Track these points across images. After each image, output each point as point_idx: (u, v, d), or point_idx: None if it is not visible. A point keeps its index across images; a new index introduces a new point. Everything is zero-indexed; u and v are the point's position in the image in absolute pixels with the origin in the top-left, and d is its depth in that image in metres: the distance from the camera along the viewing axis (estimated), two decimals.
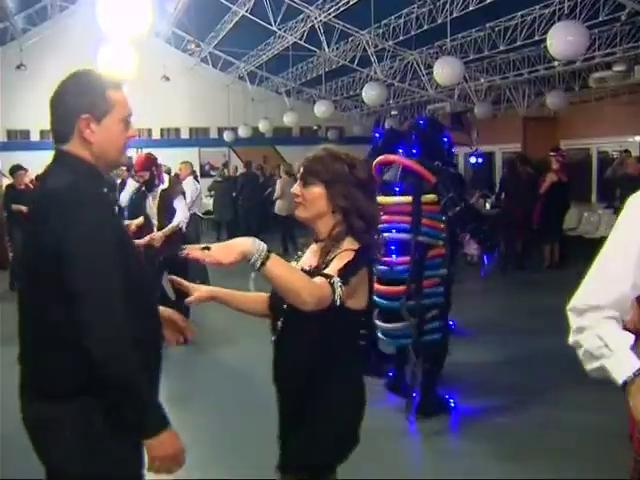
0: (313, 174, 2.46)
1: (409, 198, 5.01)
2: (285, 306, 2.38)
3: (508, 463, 4.50)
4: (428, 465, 4.70)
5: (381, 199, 5.10)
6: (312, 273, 2.33)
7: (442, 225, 5.05)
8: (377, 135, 6.66)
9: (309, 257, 2.57)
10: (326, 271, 2.29)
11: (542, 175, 12.12)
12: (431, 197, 5.02)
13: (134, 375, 2.13)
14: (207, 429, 5.17)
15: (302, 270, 2.39)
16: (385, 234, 4.88)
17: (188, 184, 10.75)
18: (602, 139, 16.06)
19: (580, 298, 2.07)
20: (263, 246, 2.09)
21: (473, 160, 14.77)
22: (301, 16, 14.90)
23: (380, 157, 5.35)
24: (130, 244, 2.42)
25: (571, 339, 2.05)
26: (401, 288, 4.98)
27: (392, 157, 5.30)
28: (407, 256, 4.97)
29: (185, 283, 2.49)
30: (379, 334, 5.31)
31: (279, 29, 15.56)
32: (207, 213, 17.46)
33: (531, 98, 16.62)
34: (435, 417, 5.19)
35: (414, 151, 5.21)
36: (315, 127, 23.04)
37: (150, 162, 7.32)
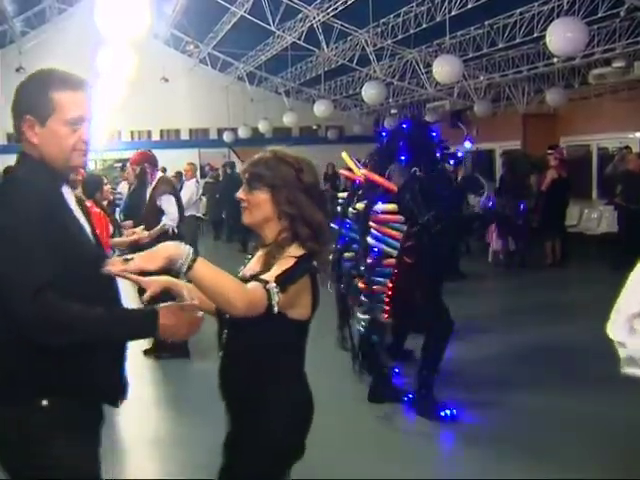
0: (258, 178, 2.40)
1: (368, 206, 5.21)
2: (227, 315, 2.32)
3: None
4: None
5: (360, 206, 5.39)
6: (250, 279, 2.28)
7: (400, 236, 5.09)
8: (383, 134, 6.59)
9: (254, 262, 2.50)
10: (263, 277, 2.23)
11: (542, 173, 12.12)
12: (391, 206, 5.11)
13: (73, 314, 2.12)
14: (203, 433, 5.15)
15: (247, 276, 2.36)
16: (371, 241, 5.15)
17: (190, 186, 10.70)
18: (602, 135, 16.05)
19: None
20: (189, 250, 2.06)
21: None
22: (300, 16, 14.90)
23: (342, 172, 5.89)
24: (80, 238, 2.32)
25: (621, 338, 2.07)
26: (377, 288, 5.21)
27: (347, 174, 5.73)
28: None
29: (139, 279, 2.21)
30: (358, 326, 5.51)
31: (278, 29, 15.56)
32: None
33: (530, 95, 16.61)
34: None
35: (402, 157, 5.28)
36: (315, 127, 23.04)
37: (143, 157, 7.24)
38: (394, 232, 5.11)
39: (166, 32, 19.96)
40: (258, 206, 2.41)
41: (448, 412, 5.15)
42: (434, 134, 5.52)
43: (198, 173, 15.84)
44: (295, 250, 2.35)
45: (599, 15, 10.60)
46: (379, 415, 5.35)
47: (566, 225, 12.51)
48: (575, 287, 10.40)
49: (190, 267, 2.04)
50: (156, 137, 22.71)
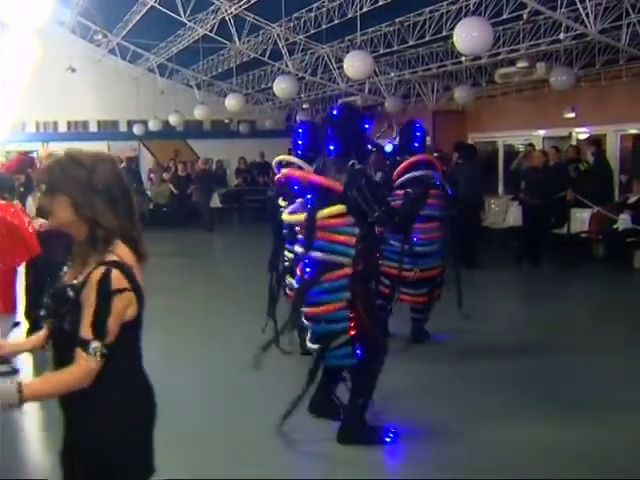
0: (53, 184, 2.38)
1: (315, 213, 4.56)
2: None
3: None
4: None
5: (290, 218, 4.97)
6: (71, 288, 2.32)
7: (354, 239, 4.52)
8: (300, 130, 6.33)
9: (75, 263, 2.47)
10: (82, 334, 2.25)
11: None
12: (337, 208, 4.51)
13: None
14: None
15: (65, 286, 2.36)
16: (300, 250, 4.70)
17: None
18: (508, 133, 16.59)
19: None
20: (12, 387, 2.18)
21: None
22: (211, 8, 14.71)
23: (284, 172, 5.21)
24: None
25: None
26: (319, 309, 4.63)
27: (297, 174, 5.17)
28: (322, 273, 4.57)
29: None
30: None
31: (189, 20, 15.33)
32: None
33: (440, 92, 16.95)
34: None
35: (331, 148, 4.74)
36: (227, 120, 22.85)
37: (23, 164, 6.99)
38: (343, 237, 4.53)
39: (72, 19, 19.31)
40: (58, 211, 2.38)
41: (391, 435, 4.79)
42: (367, 126, 4.89)
43: None
44: (106, 255, 2.34)
45: (504, 17, 10.92)
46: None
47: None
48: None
49: (21, 398, 2.19)
50: (63, 128, 22.00)
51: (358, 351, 4.61)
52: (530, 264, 11.27)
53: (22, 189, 7.19)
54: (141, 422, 2.47)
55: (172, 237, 17.00)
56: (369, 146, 5.00)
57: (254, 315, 5.86)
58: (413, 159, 6.49)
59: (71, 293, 2.32)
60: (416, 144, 6.72)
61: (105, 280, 2.27)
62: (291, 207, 5.04)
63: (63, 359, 2.32)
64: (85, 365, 2.24)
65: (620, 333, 7.52)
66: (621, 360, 6.50)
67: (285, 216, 4.96)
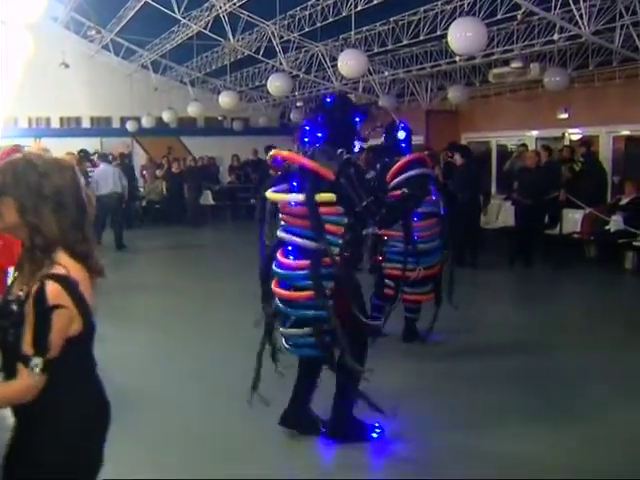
0: (2, 185, 2.31)
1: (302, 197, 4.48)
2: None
3: None
4: None
5: (273, 196, 4.71)
6: (16, 300, 2.26)
7: (342, 229, 4.50)
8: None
9: (23, 273, 2.39)
10: (24, 350, 2.19)
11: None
12: (328, 196, 4.43)
13: None
14: None
15: (8, 300, 2.30)
16: (284, 235, 4.61)
17: None
18: (501, 133, 16.62)
19: None
20: None
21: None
22: (206, 5, 14.68)
23: (274, 151, 4.99)
24: None
25: None
26: (302, 294, 4.53)
27: (285, 154, 4.98)
28: (306, 259, 4.48)
29: None
30: (283, 341, 4.80)
31: (183, 17, 15.29)
32: None
33: (434, 91, 16.98)
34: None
35: (320, 135, 4.69)
36: (220, 118, 22.82)
37: (15, 153, 6.96)
38: (332, 227, 4.46)
39: (66, 15, 19.25)
40: (5, 213, 2.30)
41: (378, 431, 4.78)
42: (357, 119, 4.82)
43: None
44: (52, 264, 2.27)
45: (498, 17, 10.94)
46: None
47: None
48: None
49: None
50: (55, 124, 21.92)
51: (334, 342, 4.52)
52: (523, 264, 11.30)
53: None
54: (89, 439, 2.42)
55: (163, 234, 17.00)
56: (359, 143, 4.88)
57: (249, 312, 5.82)
58: (406, 159, 6.44)
59: (14, 307, 2.25)
60: (403, 144, 6.69)
61: (40, 295, 2.19)
62: (276, 187, 4.80)
63: (13, 368, 2.27)
64: (26, 381, 2.21)
65: (611, 333, 7.54)
66: (614, 359, 6.54)
67: (268, 193, 4.73)
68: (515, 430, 4.99)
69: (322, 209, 4.44)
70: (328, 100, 4.93)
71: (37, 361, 2.19)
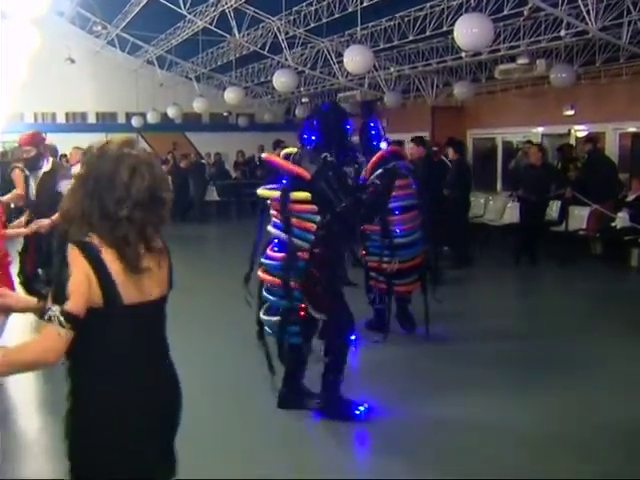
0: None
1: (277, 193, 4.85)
2: None
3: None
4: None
5: (263, 192, 5.07)
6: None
7: (313, 227, 4.76)
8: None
9: None
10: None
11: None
12: (303, 195, 4.73)
13: None
14: None
15: None
16: (271, 230, 4.96)
17: (76, 170, 10.34)
18: (507, 129, 16.56)
19: None
20: None
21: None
22: (212, 0, 14.68)
23: (264, 155, 5.63)
24: None
25: None
26: (275, 280, 4.89)
27: (266, 156, 5.51)
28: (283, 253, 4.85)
29: None
30: (266, 327, 5.12)
31: (189, 13, 15.29)
32: None
33: (439, 88, 16.94)
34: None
35: (313, 137, 5.04)
36: (225, 114, 22.83)
37: (39, 139, 6.95)
38: (304, 223, 4.77)
39: (71, 10, 19.27)
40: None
41: (362, 408, 5.02)
42: (348, 127, 5.19)
43: None
44: None
45: (504, 13, 10.91)
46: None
47: (471, 215, 12.81)
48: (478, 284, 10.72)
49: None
50: (61, 120, 21.98)
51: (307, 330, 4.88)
52: (528, 261, 11.26)
53: (23, 167, 7.09)
54: (127, 426, 2.36)
55: (168, 229, 16.95)
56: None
57: (251, 310, 5.82)
58: (379, 154, 6.55)
59: None
60: (374, 142, 6.80)
61: (64, 256, 2.25)
62: (269, 185, 5.18)
63: None
64: (46, 333, 2.17)
65: (615, 330, 7.51)
66: (612, 354, 6.57)
67: (259, 190, 5.09)
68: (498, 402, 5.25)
69: (297, 206, 4.77)
70: (323, 107, 5.41)
71: (55, 309, 2.17)
